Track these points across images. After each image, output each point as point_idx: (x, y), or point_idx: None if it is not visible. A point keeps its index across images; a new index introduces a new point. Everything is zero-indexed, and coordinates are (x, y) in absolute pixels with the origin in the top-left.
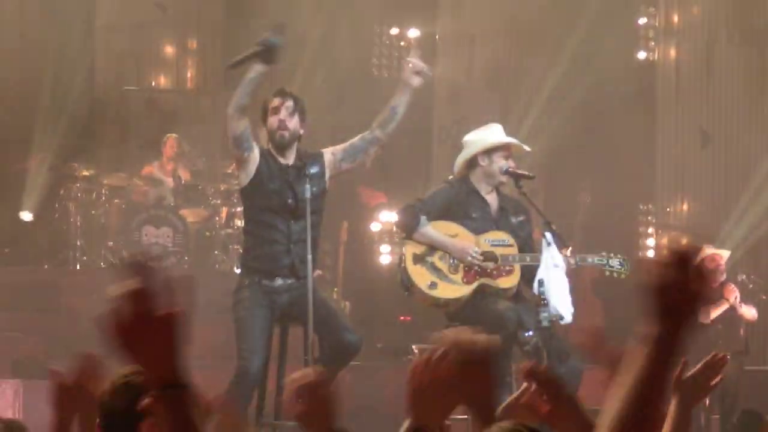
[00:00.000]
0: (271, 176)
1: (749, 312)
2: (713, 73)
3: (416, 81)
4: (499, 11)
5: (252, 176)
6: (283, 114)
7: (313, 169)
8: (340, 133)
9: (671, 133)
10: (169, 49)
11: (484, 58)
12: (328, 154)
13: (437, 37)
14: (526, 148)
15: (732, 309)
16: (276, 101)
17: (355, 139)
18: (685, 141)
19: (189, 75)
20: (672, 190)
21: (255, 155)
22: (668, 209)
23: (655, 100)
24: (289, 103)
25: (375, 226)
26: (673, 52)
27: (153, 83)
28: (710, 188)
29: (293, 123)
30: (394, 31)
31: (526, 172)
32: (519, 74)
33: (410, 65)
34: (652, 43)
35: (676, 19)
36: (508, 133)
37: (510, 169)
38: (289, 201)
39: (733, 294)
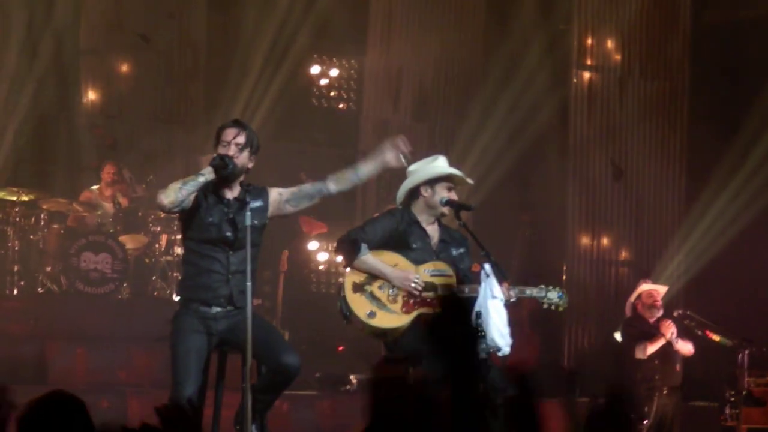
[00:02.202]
0: (208, 210)
1: (685, 347)
2: (625, 106)
3: (394, 161)
4: (427, 44)
5: (188, 209)
6: (233, 150)
7: (257, 203)
8: (279, 162)
9: (583, 165)
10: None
11: (412, 90)
12: (275, 193)
13: (365, 68)
14: (469, 180)
15: (668, 344)
16: (228, 134)
17: (306, 185)
18: (596, 173)
19: (139, 103)
20: (584, 222)
21: (188, 203)
22: (580, 241)
23: (568, 133)
24: (241, 139)
25: (321, 256)
26: (586, 85)
27: (97, 109)
28: (621, 220)
29: (242, 158)
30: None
31: (465, 203)
32: (446, 106)
33: (398, 145)
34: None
35: (590, 51)
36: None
37: (450, 200)
38: (228, 234)
39: (670, 330)
